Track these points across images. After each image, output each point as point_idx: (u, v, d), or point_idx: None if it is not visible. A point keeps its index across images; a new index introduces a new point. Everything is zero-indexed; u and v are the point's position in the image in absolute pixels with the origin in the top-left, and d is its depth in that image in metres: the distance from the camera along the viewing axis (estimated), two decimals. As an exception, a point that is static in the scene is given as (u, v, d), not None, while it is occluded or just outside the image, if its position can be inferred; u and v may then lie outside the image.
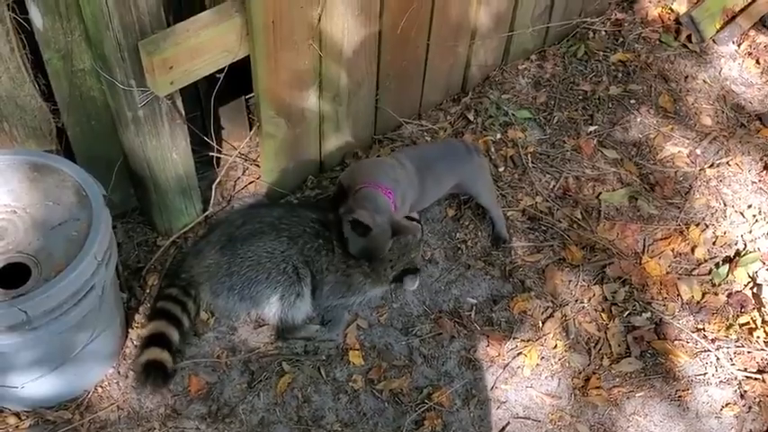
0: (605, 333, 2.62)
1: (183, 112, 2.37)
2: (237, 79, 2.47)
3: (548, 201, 2.91)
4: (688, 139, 3.16)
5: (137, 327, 2.48)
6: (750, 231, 2.90)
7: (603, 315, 2.66)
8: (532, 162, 3.01)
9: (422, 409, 2.42)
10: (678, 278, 2.75)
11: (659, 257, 2.80)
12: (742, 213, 2.95)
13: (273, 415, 2.38)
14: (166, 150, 2.40)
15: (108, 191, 2.24)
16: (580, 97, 3.24)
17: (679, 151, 3.11)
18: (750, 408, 2.50)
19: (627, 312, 2.66)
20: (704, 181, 3.03)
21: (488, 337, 2.58)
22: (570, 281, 2.73)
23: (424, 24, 2.74)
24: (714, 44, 3.48)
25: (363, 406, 2.42)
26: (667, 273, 2.76)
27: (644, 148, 3.11)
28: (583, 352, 2.58)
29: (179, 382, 2.40)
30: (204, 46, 2.16)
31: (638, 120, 3.19)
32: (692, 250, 2.83)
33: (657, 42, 3.45)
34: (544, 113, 3.17)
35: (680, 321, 2.66)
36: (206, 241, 2.48)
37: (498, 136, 3.07)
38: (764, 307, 2.69)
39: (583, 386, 2.51)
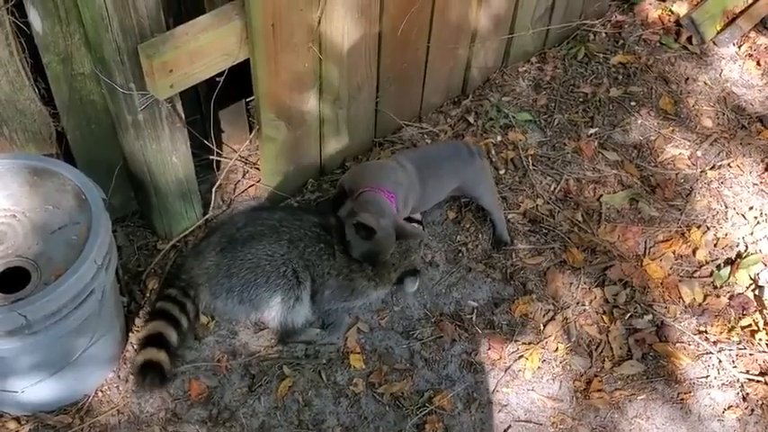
0: (607, 336, 2.61)
1: (183, 116, 2.36)
2: (237, 82, 2.47)
3: (548, 203, 2.91)
4: (689, 140, 3.15)
5: (137, 331, 2.47)
6: (751, 233, 2.89)
7: (605, 318, 2.65)
8: (533, 164, 3.00)
9: (423, 413, 2.41)
10: (679, 280, 2.75)
11: (660, 260, 2.79)
12: (743, 215, 2.94)
13: (274, 419, 2.37)
14: (166, 154, 2.40)
15: (108, 195, 2.24)
16: (581, 99, 3.24)
17: (680, 153, 3.10)
18: (752, 410, 2.50)
19: (628, 315, 2.65)
20: (705, 183, 3.02)
21: (489, 340, 2.58)
22: (571, 283, 2.72)
23: (424, 27, 2.73)
24: (715, 46, 3.48)
25: (364, 410, 2.42)
26: (668, 275, 2.76)
27: (645, 150, 3.11)
28: (584, 355, 2.58)
29: (179, 386, 2.40)
30: (204, 49, 2.16)
31: (639, 122, 3.19)
32: (694, 252, 2.83)
33: (658, 44, 3.45)
34: (544, 116, 3.17)
35: (681, 324, 2.65)
36: (207, 242, 2.48)
37: (499, 138, 3.07)
38: (766, 309, 2.69)
39: (584, 389, 2.51)
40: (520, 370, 2.53)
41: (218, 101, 2.49)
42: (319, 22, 2.32)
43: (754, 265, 2.78)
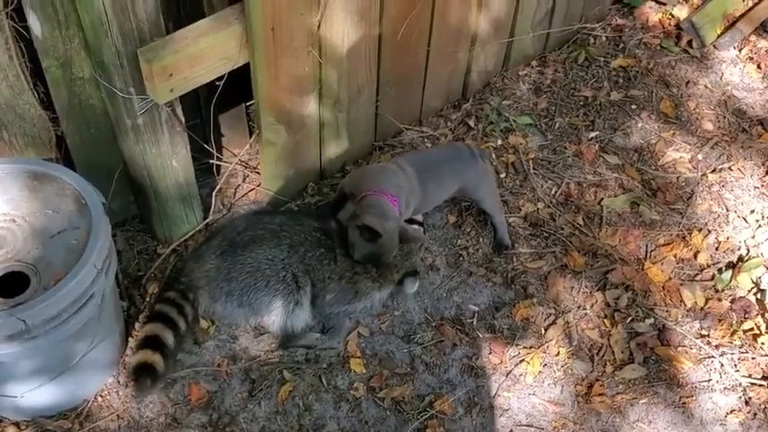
0: (608, 340, 2.60)
1: (183, 120, 2.36)
2: (237, 86, 2.47)
3: (549, 207, 2.90)
4: (690, 144, 3.15)
5: (136, 335, 2.46)
6: (753, 236, 2.88)
7: (606, 321, 2.64)
8: (534, 168, 3.00)
9: (424, 418, 2.40)
10: (681, 284, 2.74)
11: (662, 263, 2.78)
12: (745, 218, 2.94)
13: (274, 424, 2.36)
14: (166, 158, 2.40)
15: (108, 199, 2.24)
16: (581, 103, 3.24)
17: (681, 156, 3.10)
18: (755, 414, 2.49)
19: (630, 319, 2.64)
20: (706, 186, 3.02)
21: (490, 344, 2.57)
22: (573, 287, 2.71)
23: (424, 30, 2.73)
24: (715, 49, 3.48)
25: (365, 414, 2.41)
26: (670, 278, 2.75)
27: (645, 153, 3.10)
28: (586, 359, 2.57)
29: (179, 391, 2.39)
30: (204, 53, 2.16)
31: (640, 125, 3.19)
32: (695, 256, 2.82)
33: (658, 48, 3.45)
34: (545, 119, 3.17)
35: (683, 327, 2.64)
36: (207, 246, 2.47)
37: (499, 142, 3.06)
38: (768, 313, 2.68)
39: (586, 393, 2.50)
40: (521, 374, 2.52)
41: (218, 105, 2.49)
42: (319, 26, 2.32)
43: (755, 269, 2.77)
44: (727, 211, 2.95)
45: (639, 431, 2.45)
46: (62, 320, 1.96)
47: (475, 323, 2.61)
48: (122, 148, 2.37)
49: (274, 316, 2.42)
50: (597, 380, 2.52)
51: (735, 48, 3.49)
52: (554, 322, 2.63)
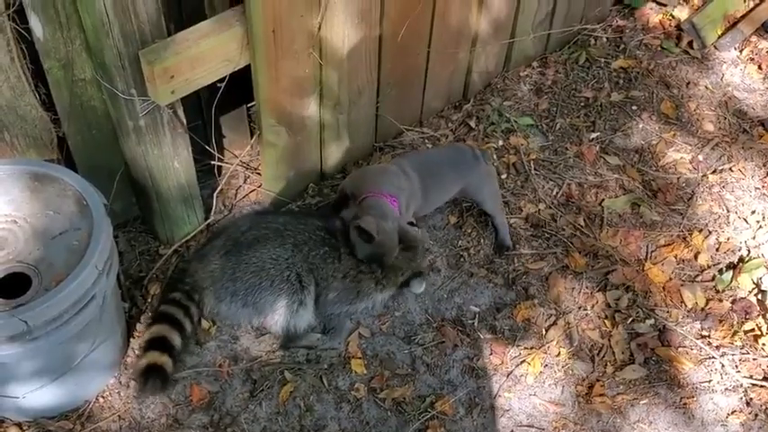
0: (609, 340, 2.61)
1: (185, 121, 2.37)
2: (239, 88, 2.48)
3: (550, 208, 2.90)
4: (690, 145, 3.15)
5: (138, 336, 2.47)
6: (754, 237, 2.88)
7: (607, 322, 2.64)
8: (535, 169, 3.00)
9: (425, 418, 2.40)
10: (682, 285, 2.74)
11: (662, 264, 2.78)
12: (745, 219, 2.94)
13: (276, 424, 2.37)
14: (168, 159, 2.40)
15: (109, 200, 2.24)
16: (582, 104, 3.24)
17: (681, 157, 3.10)
18: (756, 415, 2.48)
19: (630, 319, 2.65)
20: (707, 187, 3.02)
21: (491, 345, 2.57)
22: (573, 288, 2.71)
23: (424, 31, 2.74)
24: (716, 50, 3.48)
25: (366, 415, 2.41)
26: (670, 279, 2.75)
27: (646, 154, 3.10)
28: (586, 359, 2.57)
29: (181, 392, 2.40)
30: (205, 55, 2.16)
31: (641, 126, 3.19)
32: (696, 257, 2.82)
33: (659, 49, 3.45)
34: (546, 120, 3.17)
35: (684, 328, 2.65)
36: (211, 246, 2.48)
37: (500, 143, 3.06)
38: (769, 313, 2.68)
39: (587, 394, 2.50)
40: (522, 375, 2.52)
41: (219, 106, 2.50)
42: (320, 28, 2.33)
43: (756, 270, 2.77)
44: (728, 211, 2.95)
45: (640, 431, 2.45)
46: (63, 321, 1.97)
47: (476, 324, 2.61)
48: (124, 150, 2.37)
49: (278, 316, 2.42)
50: (598, 380, 2.52)
51: (735, 49, 3.49)
52: (555, 323, 2.63)
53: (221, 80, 2.29)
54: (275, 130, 2.53)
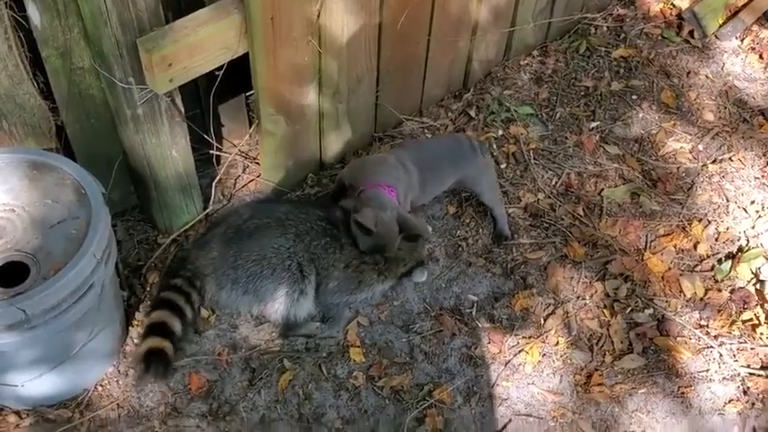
0: (607, 330, 2.61)
1: (183, 110, 2.36)
2: (237, 76, 2.47)
3: (550, 197, 2.90)
4: (690, 134, 3.14)
5: (137, 325, 2.47)
6: (753, 227, 2.88)
7: (605, 312, 2.65)
8: (534, 158, 3.00)
9: (423, 407, 2.41)
10: (680, 274, 2.74)
11: (661, 254, 2.78)
12: (745, 209, 2.93)
13: (274, 412, 2.37)
14: (166, 148, 2.40)
15: (108, 189, 2.24)
16: (582, 93, 3.23)
17: (681, 147, 3.10)
18: (753, 404, 2.49)
19: (629, 309, 2.65)
20: (707, 177, 3.01)
21: (489, 334, 2.57)
22: (572, 277, 2.71)
23: (424, 19, 2.73)
24: (717, 39, 3.46)
25: (364, 403, 2.42)
26: (669, 269, 2.75)
27: (646, 143, 3.10)
28: (585, 349, 2.57)
29: (179, 380, 2.40)
30: (203, 43, 2.15)
31: (641, 115, 3.18)
32: (695, 246, 2.82)
33: (659, 38, 3.44)
34: (546, 109, 3.16)
35: (682, 318, 2.65)
36: (212, 234, 2.47)
37: (500, 132, 3.06)
38: (767, 303, 2.68)
39: (585, 383, 2.50)
40: (520, 364, 2.53)
41: (217, 95, 2.49)
42: (318, 16, 2.32)
43: (755, 259, 2.77)
44: (728, 201, 2.95)
45: (638, 420, 2.45)
46: (62, 310, 1.97)
47: (474, 313, 2.61)
48: (122, 138, 2.37)
49: (278, 304, 2.42)
50: (596, 369, 2.53)
51: (737, 38, 3.48)
52: (553, 312, 2.63)
53: (219, 68, 2.29)
54: (274, 118, 2.52)
